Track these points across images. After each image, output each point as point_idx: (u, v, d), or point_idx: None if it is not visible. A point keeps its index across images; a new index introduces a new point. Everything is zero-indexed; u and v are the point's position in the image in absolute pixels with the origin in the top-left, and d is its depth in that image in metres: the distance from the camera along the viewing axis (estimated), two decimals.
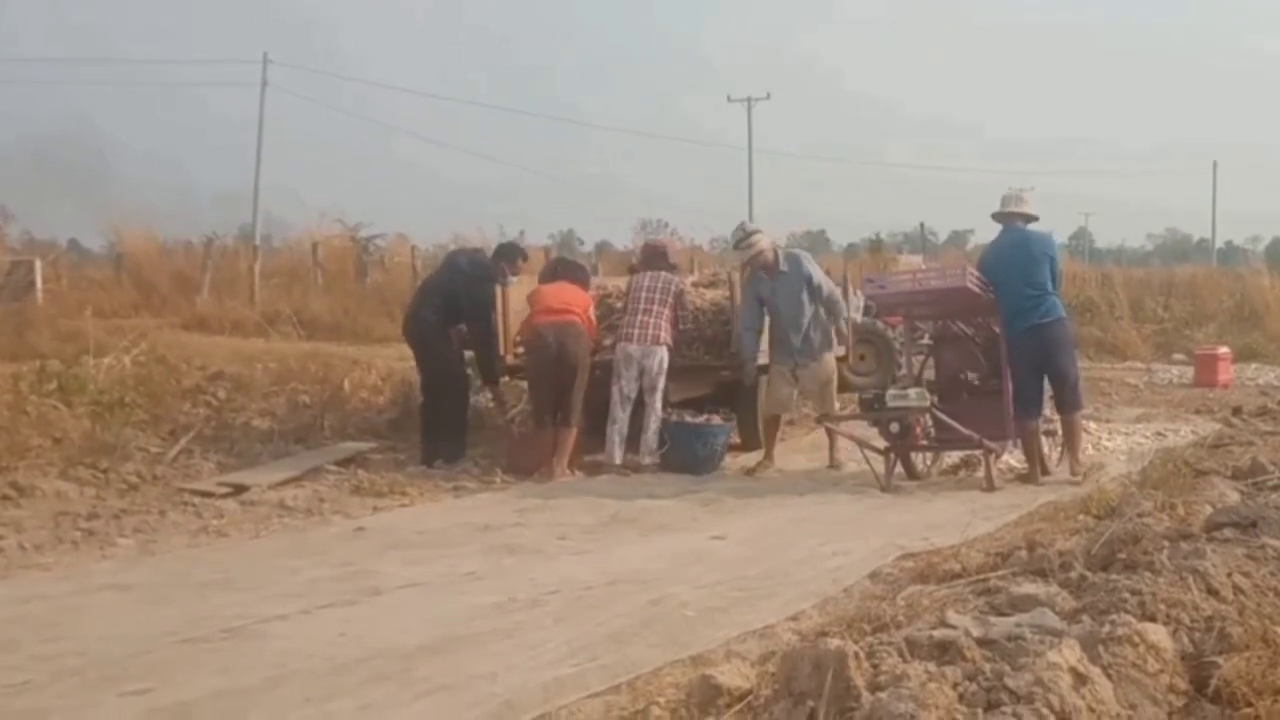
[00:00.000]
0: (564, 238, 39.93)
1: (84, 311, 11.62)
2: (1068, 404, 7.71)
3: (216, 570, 5.24)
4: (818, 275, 8.39)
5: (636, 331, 8.27)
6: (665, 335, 8.32)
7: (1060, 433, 8.01)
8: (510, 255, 8.92)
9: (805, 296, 8.23)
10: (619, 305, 8.86)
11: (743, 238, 8.37)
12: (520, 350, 8.73)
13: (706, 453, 8.22)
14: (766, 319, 8.38)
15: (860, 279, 11.35)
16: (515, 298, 8.77)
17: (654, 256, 8.89)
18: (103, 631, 4.22)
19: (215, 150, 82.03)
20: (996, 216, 7.81)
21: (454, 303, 8.36)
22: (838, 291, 8.68)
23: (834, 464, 8.21)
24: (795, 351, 8.28)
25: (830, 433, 8.30)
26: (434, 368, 8.41)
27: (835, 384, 8.65)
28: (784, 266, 8.25)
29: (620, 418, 8.21)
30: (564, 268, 8.65)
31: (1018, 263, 7.56)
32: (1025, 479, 7.52)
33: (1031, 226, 7.81)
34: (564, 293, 8.21)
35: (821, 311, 8.33)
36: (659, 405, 8.22)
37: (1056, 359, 7.59)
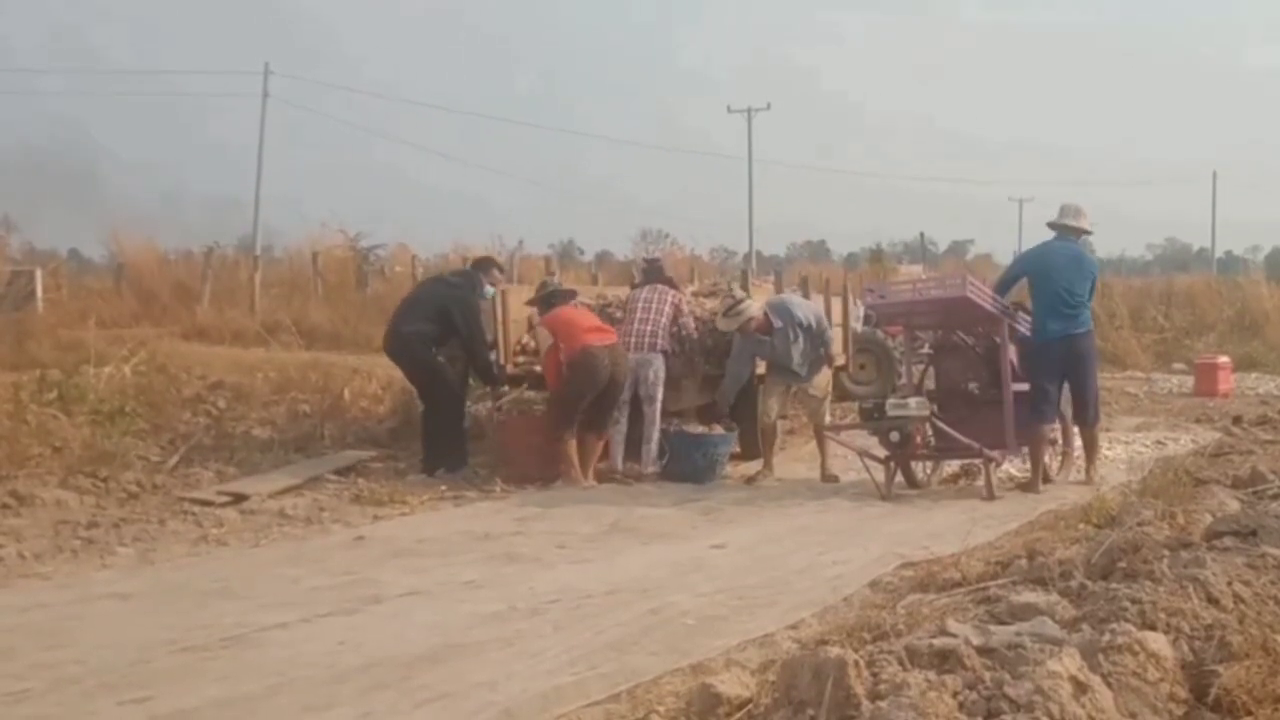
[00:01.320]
0: (564, 248, 39.87)
1: (87, 322, 11.62)
2: (1090, 417, 7.88)
3: (216, 579, 5.24)
4: (807, 316, 8.40)
5: (634, 340, 8.32)
6: (662, 343, 8.39)
7: (1061, 442, 8.06)
8: (486, 266, 9.04)
9: (801, 338, 8.27)
10: (619, 315, 8.88)
11: (731, 305, 8.29)
12: (521, 360, 8.74)
13: (707, 463, 8.23)
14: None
15: (860, 289, 11.37)
16: (515, 309, 8.80)
17: (653, 271, 9.00)
18: (102, 640, 4.22)
19: (215, 161, 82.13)
20: (1053, 225, 7.89)
21: (446, 315, 8.35)
22: (825, 321, 8.71)
23: (826, 476, 8.20)
24: (795, 376, 8.38)
25: (821, 445, 8.32)
26: (424, 379, 8.43)
27: (829, 399, 8.78)
28: (777, 322, 8.25)
29: (620, 424, 8.25)
30: (560, 298, 8.64)
31: (1067, 272, 7.69)
32: (1026, 487, 7.52)
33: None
34: (588, 315, 8.40)
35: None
36: (658, 414, 8.24)
37: (1085, 369, 7.79)
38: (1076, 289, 7.68)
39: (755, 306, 8.32)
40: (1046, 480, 7.64)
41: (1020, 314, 7.93)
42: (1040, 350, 7.65)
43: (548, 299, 8.49)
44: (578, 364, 7.94)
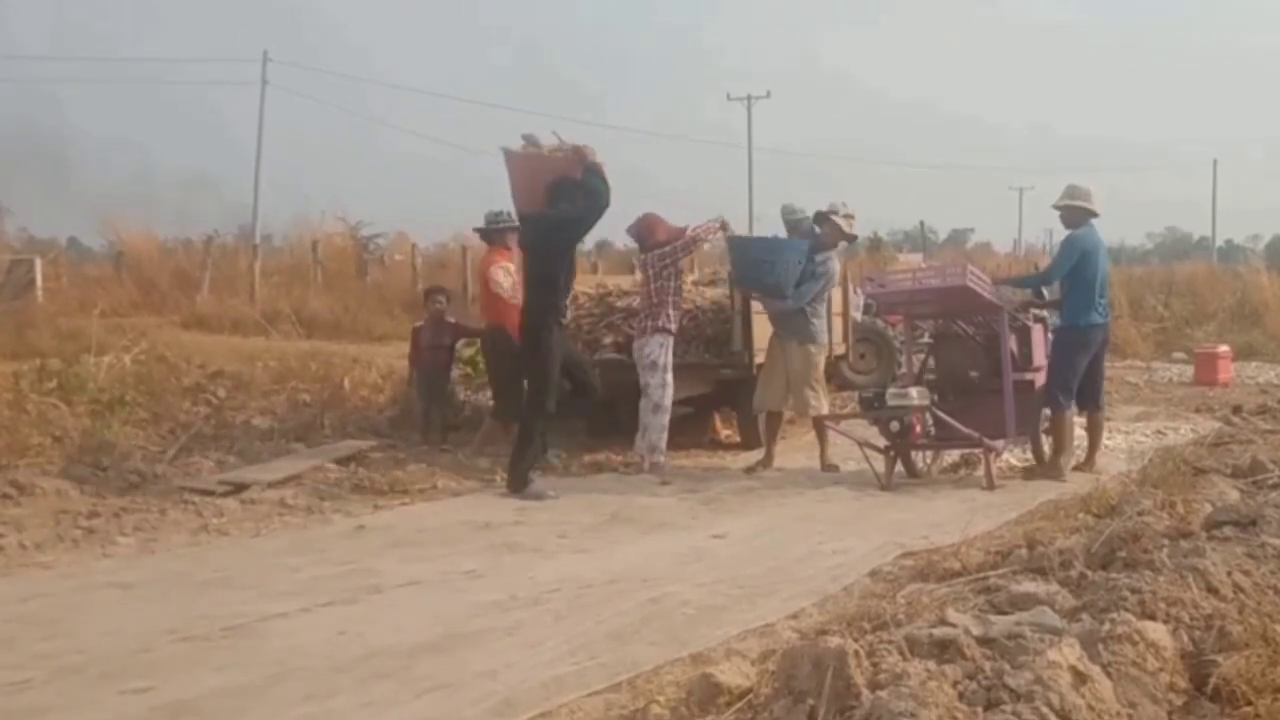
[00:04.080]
0: None
1: (91, 311, 11.62)
2: (1102, 401, 8.07)
3: (216, 569, 5.24)
4: (834, 272, 8.43)
5: (639, 325, 8.03)
6: (658, 322, 7.88)
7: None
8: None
9: (808, 286, 8.03)
10: (619, 305, 8.81)
11: (848, 214, 8.26)
12: None
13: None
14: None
15: (860, 278, 11.35)
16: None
17: (644, 236, 8.25)
18: (103, 629, 4.23)
19: (215, 149, 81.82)
20: (1079, 211, 7.69)
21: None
22: (810, 290, 8.18)
23: (826, 466, 8.12)
24: (783, 322, 8.20)
25: (821, 435, 8.21)
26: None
27: (812, 377, 8.20)
28: (832, 250, 8.32)
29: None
30: (498, 236, 8.17)
31: (1104, 259, 7.85)
32: (1049, 472, 7.48)
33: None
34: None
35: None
36: (655, 399, 7.84)
37: (1104, 355, 8.01)
38: (1106, 279, 7.84)
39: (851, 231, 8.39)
40: (1042, 465, 7.67)
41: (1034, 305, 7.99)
42: (1084, 336, 7.64)
43: (492, 233, 8.12)
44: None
